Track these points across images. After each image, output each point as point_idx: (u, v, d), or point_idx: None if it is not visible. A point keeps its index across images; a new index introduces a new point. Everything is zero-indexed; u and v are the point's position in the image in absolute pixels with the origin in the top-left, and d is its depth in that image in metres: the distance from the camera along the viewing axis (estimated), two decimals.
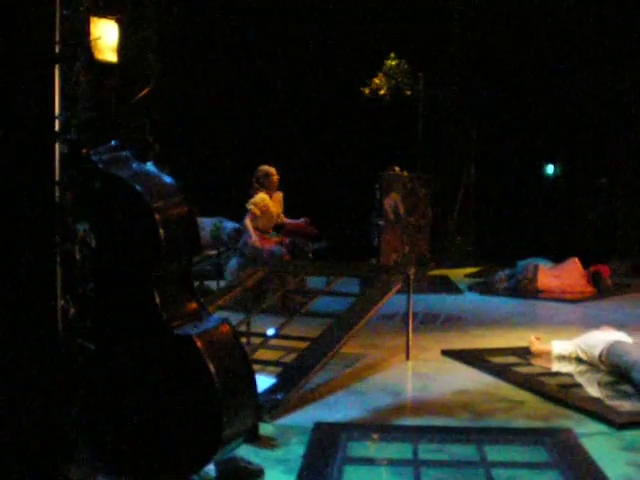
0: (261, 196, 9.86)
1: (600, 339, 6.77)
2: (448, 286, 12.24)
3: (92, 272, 3.78)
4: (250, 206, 9.80)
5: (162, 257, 3.73)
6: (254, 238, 9.69)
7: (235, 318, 6.73)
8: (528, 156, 15.50)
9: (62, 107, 3.57)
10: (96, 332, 3.80)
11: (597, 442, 4.89)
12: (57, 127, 3.54)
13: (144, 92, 4.15)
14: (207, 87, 14.58)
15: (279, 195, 10.16)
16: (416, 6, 14.62)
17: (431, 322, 9.08)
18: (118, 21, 4.12)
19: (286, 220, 10.20)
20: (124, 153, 3.90)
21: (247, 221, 9.82)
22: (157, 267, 3.75)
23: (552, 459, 4.63)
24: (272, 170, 10.01)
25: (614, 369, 6.42)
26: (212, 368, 3.63)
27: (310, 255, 9.90)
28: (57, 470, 3.58)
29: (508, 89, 14.88)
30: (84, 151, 3.76)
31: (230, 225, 13.73)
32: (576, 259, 11.73)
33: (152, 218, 3.67)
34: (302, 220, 10.43)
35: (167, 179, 3.90)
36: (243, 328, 7.15)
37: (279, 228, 10.19)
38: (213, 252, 11.86)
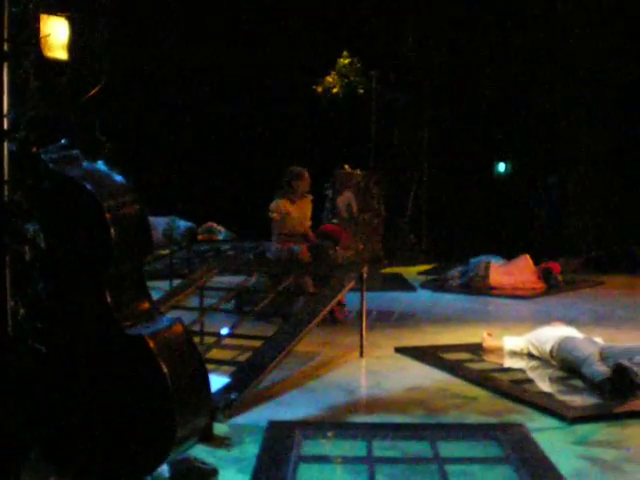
0: (278, 202, 9.11)
1: (551, 335, 6.84)
2: (401, 284, 12.29)
3: (42, 273, 3.74)
4: (269, 214, 9.14)
5: (113, 257, 3.70)
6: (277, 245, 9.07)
7: (188, 318, 6.70)
8: (480, 154, 15.62)
9: (11, 105, 3.52)
10: (47, 333, 3.76)
11: (549, 437, 4.94)
12: (5, 125, 3.50)
13: (95, 90, 4.10)
14: (159, 84, 14.50)
15: (308, 199, 9.36)
16: (369, 5, 14.65)
17: (385, 319, 9.11)
18: (69, 18, 4.07)
19: (311, 233, 9.30)
20: (74, 152, 3.86)
21: (273, 229, 9.16)
22: (108, 267, 3.71)
23: (505, 454, 4.66)
24: (305, 173, 9.23)
25: (565, 364, 6.49)
26: (165, 368, 3.61)
27: (339, 260, 9.25)
28: (8, 474, 3.54)
29: (460, 88, 14.98)
30: (33, 150, 3.72)
31: (183, 224, 13.70)
32: (527, 256, 11.86)
33: (103, 217, 3.64)
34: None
35: (118, 178, 3.87)
36: (197, 328, 7.12)
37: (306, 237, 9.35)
38: (166, 251, 11.80)
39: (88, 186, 3.68)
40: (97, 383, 3.73)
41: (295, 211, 9.14)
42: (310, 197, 9.36)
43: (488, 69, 14.82)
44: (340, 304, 8.56)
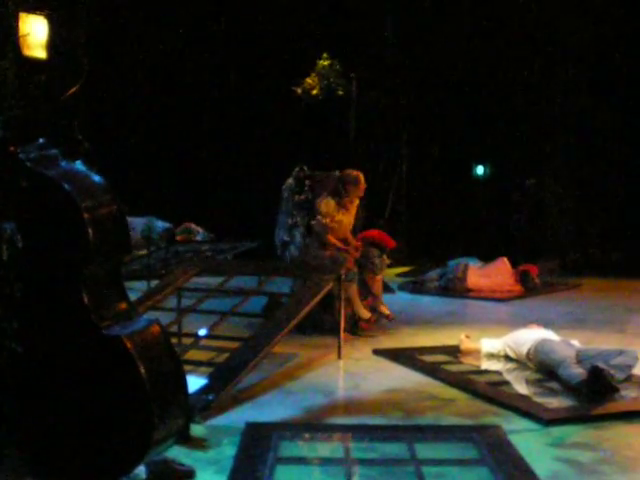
0: (329, 204, 8.64)
1: (528, 337, 6.87)
2: None
3: (19, 272, 3.72)
4: (319, 216, 8.63)
5: (91, 257, 3.68)
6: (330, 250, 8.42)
7: (166, 318, 6.68)
8: (458, 157, 15.66)
9: None
10: (23, 333, 3.74)
11: (525, 438, 4.96)
12: None
13: (73, 89, 4.09)
14: (138, 84, 14.45)
15: (355, 203, 8.82)
16: (350, 8, 14.67)
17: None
18: (48, 17, 4.06)
19: (352, 238, 8.76)
20: (52, 151, 3.84)
21: (329, 238, 8.51)
22: (86, 267, 3.70)
23: (481, 456, 4.68)
24: (361, 178, 8.67)
25: (542, 366, 6.52)
26: (142, 369, 3.60)
27: (381, 268, 8.67)
28: None
29: (440, 91, 15.02)
30: (12, 149, 3.70)
31: (161, 225, 13.65)
32: (505, 259, 11.92)
33: (81, 217, 3.62)
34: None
35: (96, 178, 3.85)
36: (175, 329, 7.10)
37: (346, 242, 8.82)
38: (143, 252, 11.75)
39: (66, 186, 3.67)
40: (74, 383, 3.72)
41: (344, 216, 8.67)
42: (357, 202, 8.85)
43: (467, 72, 14.86)
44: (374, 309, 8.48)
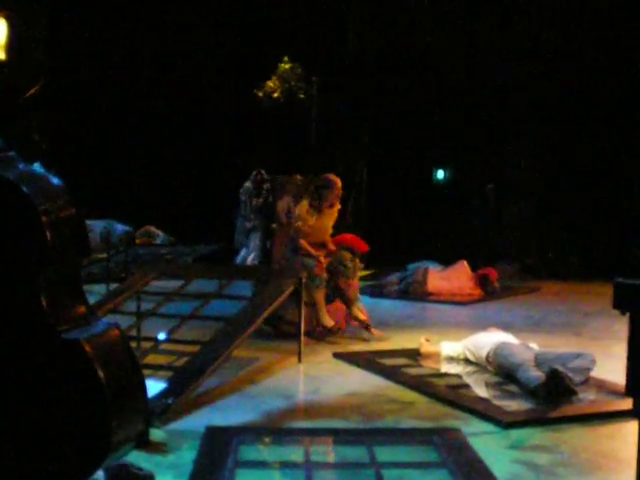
0: (303, 207, 8.60)
1: (487, 340, 6.92)
2: None
3: None
4: (297, 223, 8.53)
5: (49, 260, 3.65)
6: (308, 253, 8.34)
7: (125, 322, 6.64)
8: (419, 161, 15.74)
9: None
10: None
11: (484, 441, 4.99)
12: None
13: (32, 91, 4.06)
14: (96, 85, 14.36)
15: (335, 208, 8.75)
16: (311, 10, 14.69)
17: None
18: (7, 18, 4.02)
19: (330, 243, 8.64)
20: (10, 154, 3.80)
21: (301, 242, 8.41)
22: (44, 270, 3.66)
23: (441, 458, 4.70)
24: (337, 181, 8.63)
25: (501, 369, 6.56)
26: (101, 373, 3.57)
27: (354, 272, 8.56)
28: None
29: (401, 95, 15.07)
30: None
31: (120, 228, 13.58)
32: (464, 262, 12.00)
33: (38, 220, 3.59)
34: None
35: (54, 180, 3.81)
36: (134, 332, 7.06)
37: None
38: (103, 255, 11.67)
39: (24, 188, 3.63)
40: (31, 388, 3.68)
41: (318, 221, 8.56)
42: (337, 206, 8.77)
43: (428, 76, 14.94)
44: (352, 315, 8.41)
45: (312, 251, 8.34)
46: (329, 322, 8.25)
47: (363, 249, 8.84)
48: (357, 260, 8.62)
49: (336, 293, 8.46)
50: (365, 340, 8.20)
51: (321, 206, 8.55)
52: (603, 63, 13.67)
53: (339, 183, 8.63)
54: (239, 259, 11.19)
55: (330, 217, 8.71)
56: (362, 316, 8.42)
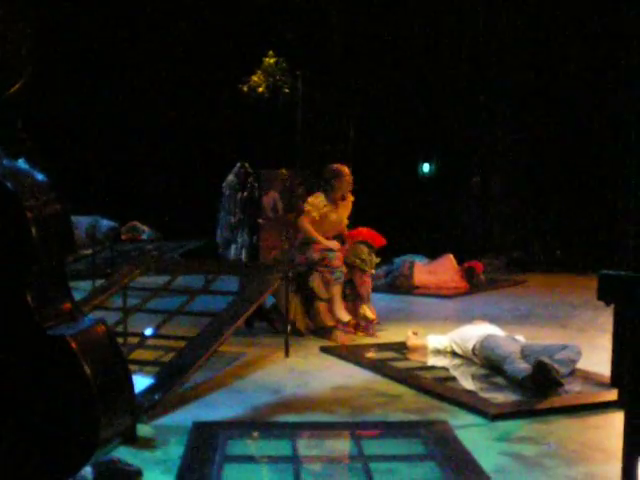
0: (318, 197, 8.35)
1: (473, 333, 6.94)
2: None
3: None
4: (307, 207, 8.28)
5: (34, 256, 3.64)
6: (321, 244, 8.11)
7: (111, 318, 6.63)
8: (404, 155, 15.74)
9: None
10: None
11: (471, 433, 5.01)
12: None
13: (17, 86, 4.03)
14: (82, 80, 14.30)
15: (349, 199, 8.62)
16: (296, 4, 14.67)
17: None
18: None
19: (347, 236, 8.52)
20: None
21: (305, 223, 8.23)
22: (29, 267, 3.65)
23: (428, 451, 4.72)
24: (345, 169, 8.47)
25: (487, 362, 6.59)
26: (87, 369, 3.56)
27: (372, 272, 8.43)
28: None
29: (386, 89, 15.08)
30: None
31: (106, 223, 13.52)
32: (450, 255, 12.02)
33: (24, 216, 3.58)
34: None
35: (39, 176, 3.81)
36: (120, 328, 7.05)
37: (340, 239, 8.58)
38: (88, 251, 11.64)
39: (9, 184, 3.62)
40: (18, 384, 3.67)
41: (333, 213, 8.40)
42: (351, 198, 8.62)
43: (414, 69, 14.95)
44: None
45: (324, 242, 8.14)
46: (346, 316, 8.05)
47: (380, 243, 8.68)
48: (373, 255, 8.41)
49: (347, 288, 8.26)
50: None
51: (334, 197, 8.39)
52: (588, 54, 13.71)
53: (348, 171, 8.48)
54: (231, 256, 11.21)
55: (345, 209, 8.55)
56: (371, 315, 8.18)
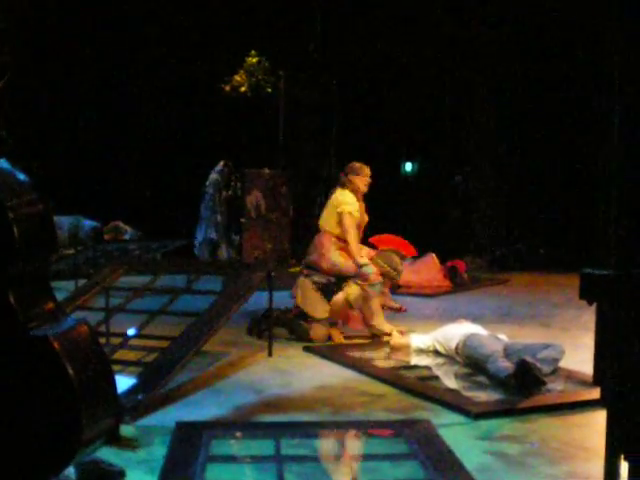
0: (350, 195, 7.83)
1: (456, 332, 6.95)
2: None
3: None
4: (347, 208, 7.63)
5: (17, 256, 3.62)
6: (359, 258, 7.61)
7: (94, 318, 6.61)
8: (387, 154, 15.77)
9: None
10: None
11: (454, 432, 5.02)
12: None
13: None
14: (63, 79, 14.26)
15: (362, 205, 8.12)
16: (278, 4, 14.68)
17: None
18: None
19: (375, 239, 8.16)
20: None
21: (351, 228, 7.65)
22: (11, 266, 3.64)
23: (411, 450, 4.72)
24: (366, 169, 7.98)
25: (470, 361, 6.60)
26: (70, 369, 3.55)
27: (394, 280, 8.07)
28: None
29: (368, 88, 15.10)
30: None
31: (88, 223, 13.50)
32: (433, 255, 12.04)
33: (5, 216, 3.56)
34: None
35: (21, 176, 3.79)
36: (103, 328, 7.03)
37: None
38: (71, 251, 11.60)
39: None
40: (0, 385, 3.65)
41: (361, 212, 7.97)
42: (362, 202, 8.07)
43: (394, 68, 14.98)
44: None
45: (359, 252, 7.72)
46: (389, 328, 7.68)
47: (411, 253, 8.43)
48: (399, 266, 8.06)
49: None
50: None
51: (358, 197, 8.01)
52: (570, 50, 13.77)
53: (368, 171, 8.10)
54: (225, 254, 11.29)
55: (364, 209, 8.15)
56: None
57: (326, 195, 15.32)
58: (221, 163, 12.90)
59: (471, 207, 15.45)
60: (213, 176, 12.75)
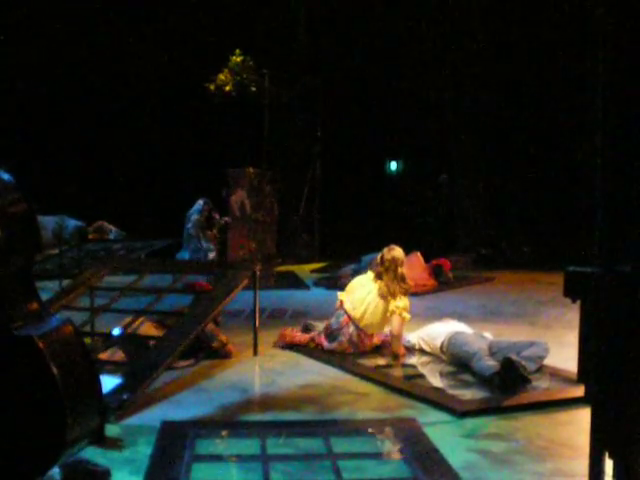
0: (404, 298, 7.27)
1: (441, 330, 6.96)
2: (294, 282, 12.34)
3: None
4: (403, 312, 7.11)
5: (0, 256, 3.61)
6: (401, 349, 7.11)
7: (78, 318, 6.59)
8: (372, 153, 15.80)
9: None
10: None
11: (440, 430, 5.02)
12: None
13: None
14: (46, 80, 14.23)
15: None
16: (263, 3, 14.68)
17: (278, 317, 9.14)
18: None
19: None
20: None
21: (401, 329, 7.12)
22: None
23: (397, 448, 4.73)
24: (402, 257, 7.49)
25: (455, 359, 6.61)
26: (55, 369, 3.54)
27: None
28: None
29: (353, 87, 15.12)
30: None
31: (73, 223, 13.46)
32: (418, 253, 12.04)
33: None
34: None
35: (5, 176, 3.78)
36: (88, 328, 7.01)
37: None
38: (55, 251, 11.57)
39: None
40: None
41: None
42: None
43: (377, 68, 15.01)
44: None
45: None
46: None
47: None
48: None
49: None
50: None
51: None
52: (554, 49, 13.83)
53: (403, 258, 7.57)
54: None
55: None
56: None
57: (310, 193, 15.45)
58: (200, 202, 12.96)
59: (456, 206, 15.49)
60: (194, 217, 12.82)
